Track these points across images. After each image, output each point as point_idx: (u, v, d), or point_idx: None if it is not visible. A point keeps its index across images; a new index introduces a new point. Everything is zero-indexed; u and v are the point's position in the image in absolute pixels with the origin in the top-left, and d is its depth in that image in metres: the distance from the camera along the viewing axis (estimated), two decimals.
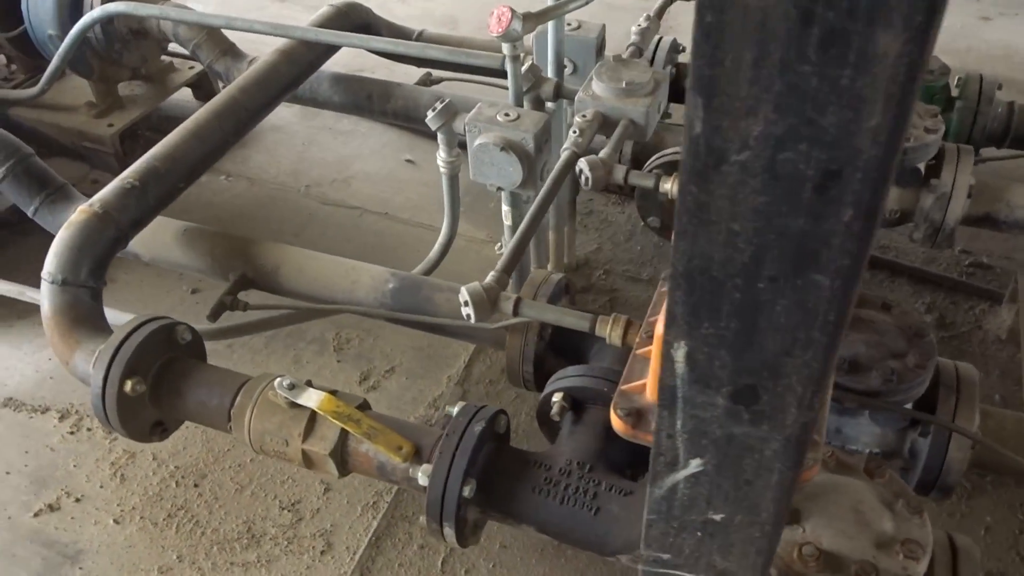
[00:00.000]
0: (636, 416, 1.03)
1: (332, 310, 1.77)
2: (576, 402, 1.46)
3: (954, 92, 2.16)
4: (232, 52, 2.56)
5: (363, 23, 2.50)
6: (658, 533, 0.87)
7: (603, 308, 2.28)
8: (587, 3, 1.64)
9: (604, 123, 1.58)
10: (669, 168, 1.79)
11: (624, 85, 1.57)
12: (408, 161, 2.83)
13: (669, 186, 1.46)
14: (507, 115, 1.59)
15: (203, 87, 2.99)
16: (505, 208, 1.74)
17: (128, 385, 1.53)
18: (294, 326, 2.14)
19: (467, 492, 1.32)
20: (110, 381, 1.52)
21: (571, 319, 1.28)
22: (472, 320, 1.25)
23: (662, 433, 0.75)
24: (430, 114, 1.66)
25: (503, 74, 2.05)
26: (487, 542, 1.77)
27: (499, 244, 1.89)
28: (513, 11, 1.52)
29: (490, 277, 1.27)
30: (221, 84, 2.54)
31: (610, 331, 1.24)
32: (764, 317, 0.61)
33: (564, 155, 1.51)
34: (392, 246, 2.49)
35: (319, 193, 2.71)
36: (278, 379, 1.49)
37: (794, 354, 0.62)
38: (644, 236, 2.52)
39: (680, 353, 0.67)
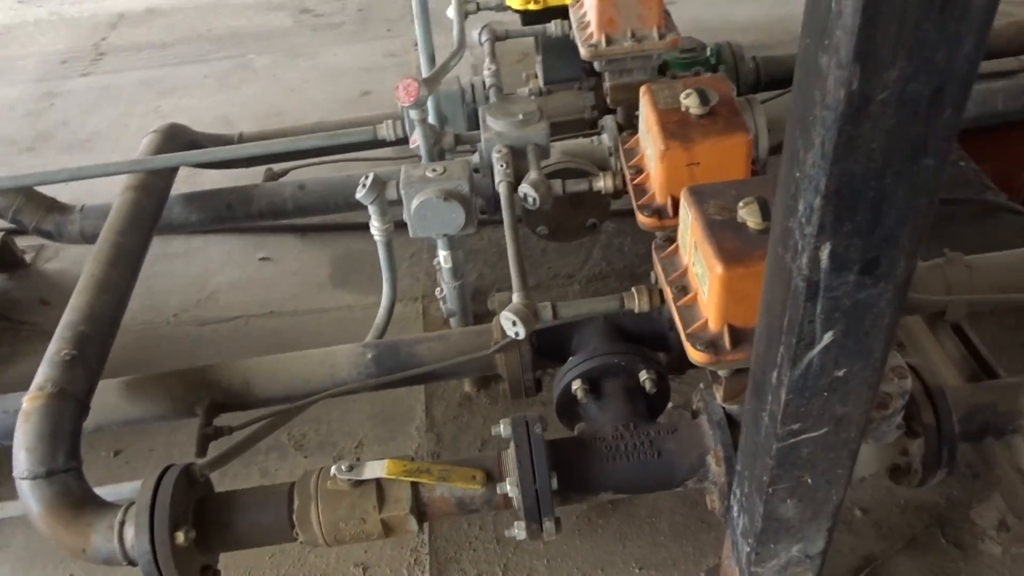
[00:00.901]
0: (711, 346, 1.30)
1: (321, 398, 1.83)
2: (593, 383, 1.70)
3: (712, 61, 2.69)
4: (57, 207, 2.44)
5: (190, 141, 2.52)
6: (794, 408, 1.14)
7: None
8: (460, 59, 1.88)
9: (513, 153, 1.83)
10: (565, 173, 2.07)
11: (521, 117, 1.84)
12: (264, 259, 2.85)
13: (602, 184, 1.75)
14: (434, 170, 1.78)
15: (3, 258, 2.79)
16: (444, 253, 1.92)
17: (179, 537, 1.51)
18: (225, 465, 2.13)
19: (555, 484, 1.51)
20: (159, 539, 1.49)
21: (602, 305, 1.52)
22: (521, 335, 1.44)
23: (804, 321, 1.02)
24: (360, 191, 1.80)
25: (369, 147, 2.23)
26: (529, 545, 1.94)
27: (439, 289, 2.05)
28: (418, 80, 1.72)
29: (517, 296, 1.47)
30: (63, 241, 2.42)
31: (638, 301, 1.49)
32: (887, 202, 0.90)
33: (502, 187, 1.74)
34: (295, 338, 2.52)
35: (191, 317, 2.66)
36: (334, 467, 1.56)
37: (907, 224, 0.93)
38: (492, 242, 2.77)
39: (825, 252, 0.95)
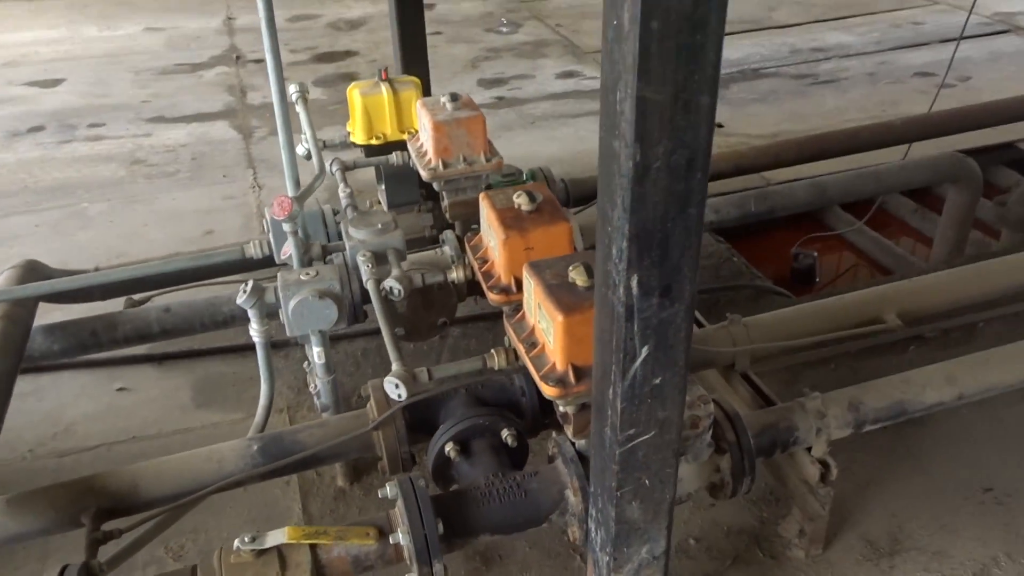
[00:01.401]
0: (560, 382, 1.62)
1: (211, 491, 1.94)
2: (463, 443, 1.95)
3: (528, 181, 3.17)
4: None
5: (48, 275, 2.60)
6: (628, 415, 1.47)
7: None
8: (322, 181, 2.19)
9: (375, 256, 2.13)
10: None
11: (380, 226, 2.16)
12: (121, 389, 2.89)
13: (455, 274, 2.08)
14: (307, 274, 2.04)
15: None
16: (318, 349, 2.14)
17: None
18: (119, 565, 2.16)
19: (441, 529, 1.73)
20: None
21: (468, 365, 1.81)
22: (403, 397, 1.70)
23: (627, 339, 1.37)
24: (241, 297, 2.02)
25: (237, 268, 2.46)
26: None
27: (312, 385, 2.24)
28: (291, 198, 2.00)
29: (396, 365, 1.74)
30: None
31: (497, 360, 1.80)
32: (670, 241, 1.29)
33: (370, 283, 2.03)
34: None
35: (48, 451, 2.64)
36: (236, 541, 1.69)
37: (685, 256, 1.32)
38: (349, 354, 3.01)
39: (635, 282, 1.31)
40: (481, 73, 5.75)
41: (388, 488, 1.79)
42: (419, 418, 2.07)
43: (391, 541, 1.72)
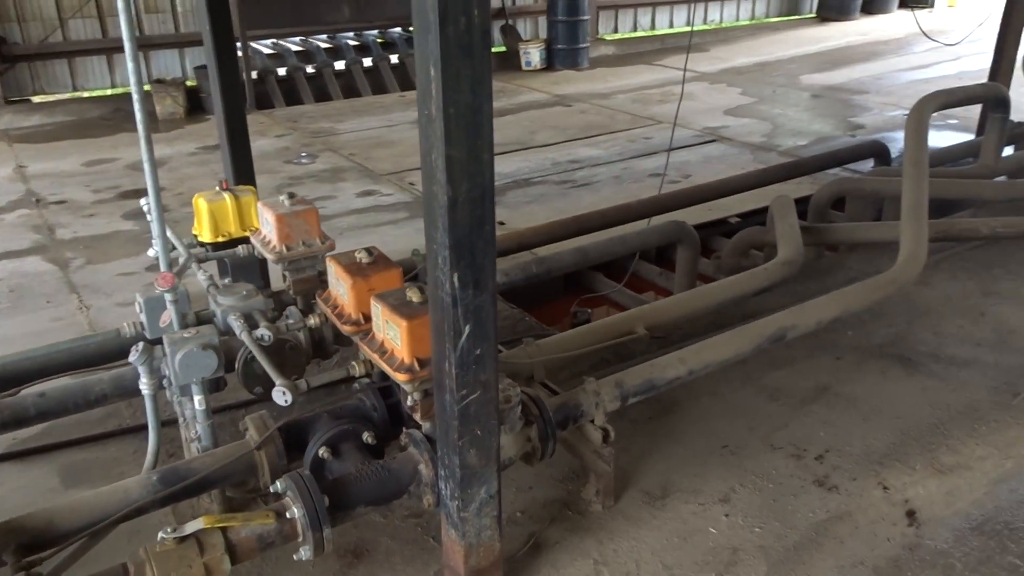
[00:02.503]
0: (409, 370, 2.22)
1: (120, 518, 2.29)
2: (333, 447, 2.48)
3: None
4: None
5: None
6: (460, 379, 2.10)
7: None
8: (189, 265, 2.70)
9: (245, 317, 2.66)
10: (276, 343, 2.89)
11: (245, 293, 2.69)
12: None
13: (312, 321, 2.64)
14: (190, 332, 2.52)
15: None
16: (199, 397, 2.59)
17: None
18: None
19: (327, 502, 2.23)
20: None
21: (336, 373, 2.36)
22: (290, 400, 2.22)
23: (454, 321, 2.03)
24: (133, 354, 2.45)
25: (117, 356, 2.85)
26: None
27: (193, 431, 2.64)
28: (171, 272, 2.50)
29: (279, 380, 2.27)
30: None
31: (358, 368, 2.37)
32: (475, 248, 1.98)
33: (245, 335, 2.54)
34: None
35: None
36: (159, 534, 2.09)
37: (487, 258, 2.01)
38: None
39: (456, 277, 1.99)
40: None
41: (278, 483, 2.27)
42: (292, 440, 2.57)
43: (287, 517, 2.20)
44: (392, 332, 2.28)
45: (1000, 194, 4.72)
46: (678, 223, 4.37)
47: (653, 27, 13.83)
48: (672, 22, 14.07)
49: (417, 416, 2.37)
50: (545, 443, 2.57)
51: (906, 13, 15.62)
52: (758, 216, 5.55)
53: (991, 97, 4.75)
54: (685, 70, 5.27)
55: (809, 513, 2.84)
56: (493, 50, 11.69)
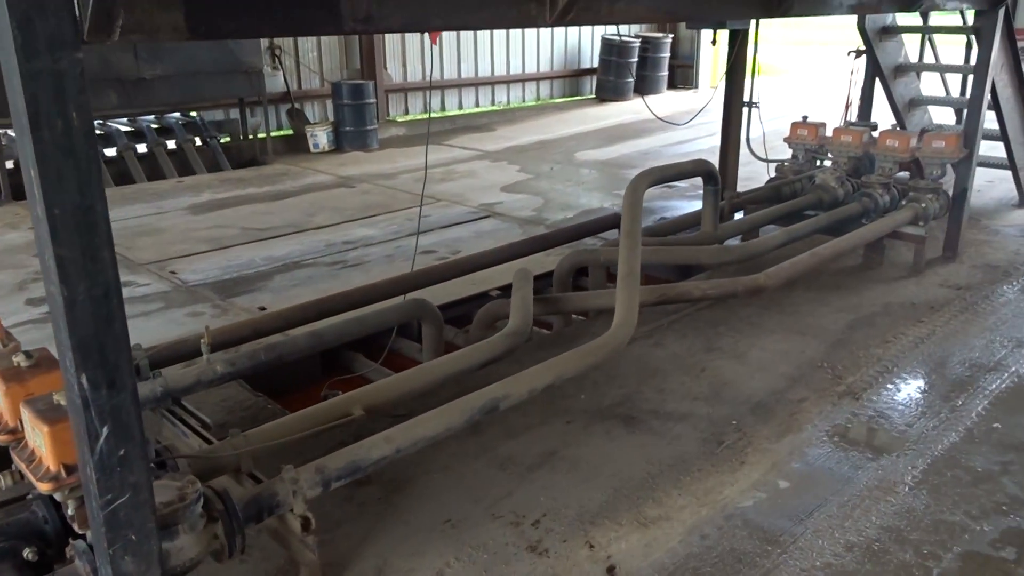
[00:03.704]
0: (54, 479, 2.10)
1: None
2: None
3: None
4: None
5: None
6: (103, 483, 2.01)
7: None
8: None
9: None
10: None
11: None
12: None
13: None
14: None
15: None
16: None
17: None
18: None
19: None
20: None
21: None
22: None
23: (87, 423, 1.95)
24: None
25: None
26: None
27: None
28: None
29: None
30: None
31: (3, 481, 2.20)
32: (107, 348, 1.93)
33: None
34: None
35: None
36: None
37: (121, 358, 1.96)
38: None
39: (84, 379, 1.92)
40: (29, 293, 5.92)
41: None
42: None
43: None
44: (38, 439, 2.15)
45: (714, 258, 5.22)
46: (418, 301, 4.48)
47: (443, 108, 14.36)
48: (462, 104, 14.67)
49: (76, 526, 2.24)
50: (232, 539, 2.50)
51: (675, 93, 17.25)
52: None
53: (702, 172, 5.28)
54: (427, 156, 5.48)
55: None
56: (280, 133, 11.68)
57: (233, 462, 2.92)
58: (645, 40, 16.73)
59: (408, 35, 13.42)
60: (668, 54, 17.28)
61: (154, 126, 10.04)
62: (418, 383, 3.48)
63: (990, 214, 7.80)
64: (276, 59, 11.49)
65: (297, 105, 11.83)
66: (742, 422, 4.02)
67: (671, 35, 17.32)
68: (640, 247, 4.39)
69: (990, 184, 8.73)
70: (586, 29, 16.59)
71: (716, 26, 7.30)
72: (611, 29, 16.80)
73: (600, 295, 4.71)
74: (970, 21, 7.06)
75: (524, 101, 15.80)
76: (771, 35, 32.80)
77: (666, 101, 16.08)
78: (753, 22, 7.73)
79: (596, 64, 16.65)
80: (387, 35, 12.98)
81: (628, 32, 17.18)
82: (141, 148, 9.81)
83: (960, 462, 3.65)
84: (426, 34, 12.66)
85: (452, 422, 3.14)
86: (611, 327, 3.96)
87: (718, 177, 5.39)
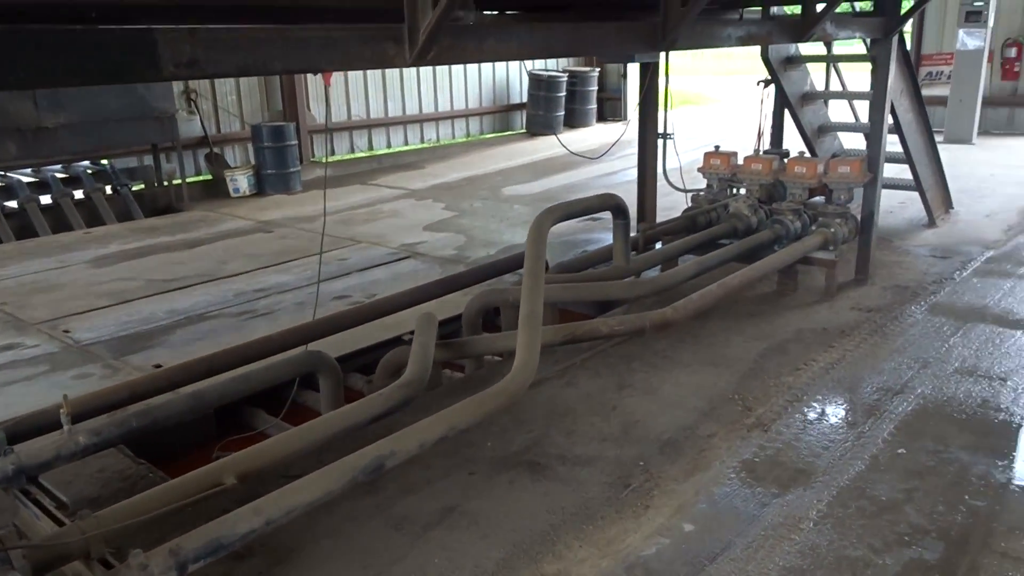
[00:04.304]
0: None
1: None
2: None
3: None
4: None
5: None
6: None
7: None
8: None
9: None
10: None
11: None
12: None
13: None
14: None
15: None
16: None
17: None
18: None
19: None
20: None
21: None
22: None
23: None
24: None
25: None
26: None
27: None
28: None
29: None
30: None
31: None
32: None
33: None
34: None
35: None
36: None
37: None
38: None
39: None
40: None
41: None
42: None
43: None
44: None
45: (625, 293, 5.14)
46: (313, 353, 4.29)
47: (371, 148, 14.22)
48: (390, 142, 14.56)
49: None
50: None
51: (604, 126, 17.41)
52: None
53: (610, 206, 5.22)
54: (325, 203, 5.31)
55: None
56: (199, 179, 11.41)
57: (83, 547, 2.67)
58: (573, 74, 16.90)
59: (333, 75, 13.29)
60: (596, 87, 17.47)
61: (61, 175, 9.68)
62: (298, 445, 3.28)
63: (902, 234, 7.94)
64: (192, 103, 11.23)
65: (216, 149, 11.57)
66: (650, 462, 3.90)
67: (598, 68, 17.53)
68: (543, 287, 4.28)
69: (902, 205, 8.91)
70: (513, 64, 16.69)
71: (625, 60, 7.35)
72: (539, 64, 16.95)
73: (504, 337, 4.58)
74: None
75: (454, 138, 15.77)
76: (703, 66, 33.67)
77: (596, 134, 16.21)
78: (663, 54, 7.79)
79: (526, 99, 16.73)
80: (309, 76, 12.83)
81: (556, 67, 17.38)
82: (46, 199, 9.42)
83: (865, 492, 3.59)
84: (322, 76, 12.53)
85: (331, 486, 2.95)
86: (510, 372, 3.82)
87: (627, 210, 5.33)
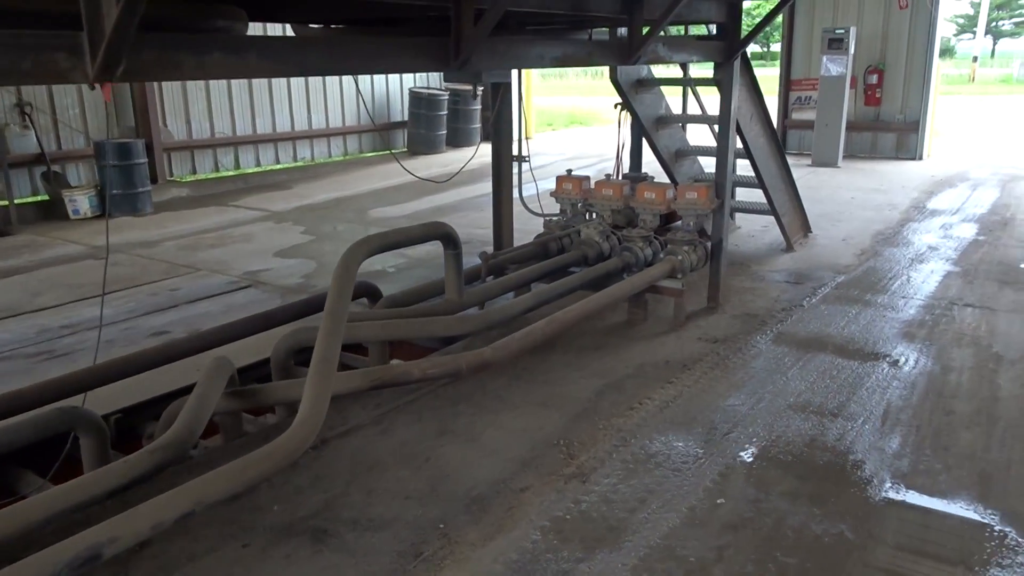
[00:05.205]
0: None
1: None
2: None
3: None
4: None
5: None
6: None
7: None
8: None
9: None
10: None
11: None
12: None
13: None
14: None
15: None
16: None
17: None
18: None
19: None
20: None
21: None
22: None
23: None
24: None
25: None
26: None
27: None
28: None
29: None
30: None
31: None
32: None
33: None
34: None
35: None
36: None
37: None
38: None
39: None
40: None
41: None
42: None
43: None
44: None
45: (448, 330, 4.77)
46: (69, 409, 3.72)
47: (238, 166, 13.50)
48: (259, 160, 13.87)
49: None
50: None
51: (488, 146, 17.14)
52: (253, 371, 5.13)
53: (438, 235, 4.85)
54: (107, 236, 4.75)
55: None
56: (35, 199, 10.50)
57: None
58: (455, 93, 16.58)
59: (190, 89, 12.55)
60: (479, 106, 17.20)
61: None
62: (10, 528, 2.74)
63: (760, 259, 7.90)
64: (26, 116, 10.31)
65: (56, 168, 10.66)
66: (451, 524, 3.51)
67: (481, 87, 17.27)
68: (342, 329, 3.86)
69: (765, 229, 8.92)
70: (393, 79, 16.26)
71: (475, 80, 7.04)
72: (420, 81, 16.58)
73: (300, 384, 4.11)
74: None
75: (331, 156, 15.19)
76: (601, 86, 34.00)
77: (478, 153, 15.91)
78: (518, 74, 7.51)
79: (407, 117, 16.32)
80: (166, 90, 12.07)
81: (439, 85, 17.04)
82: None
83: (675, 552, 3.30)
84: (207, 84, 11.85)
85: None
86: (289, 428, 3.37)
87: (457, 240, 4.97)
